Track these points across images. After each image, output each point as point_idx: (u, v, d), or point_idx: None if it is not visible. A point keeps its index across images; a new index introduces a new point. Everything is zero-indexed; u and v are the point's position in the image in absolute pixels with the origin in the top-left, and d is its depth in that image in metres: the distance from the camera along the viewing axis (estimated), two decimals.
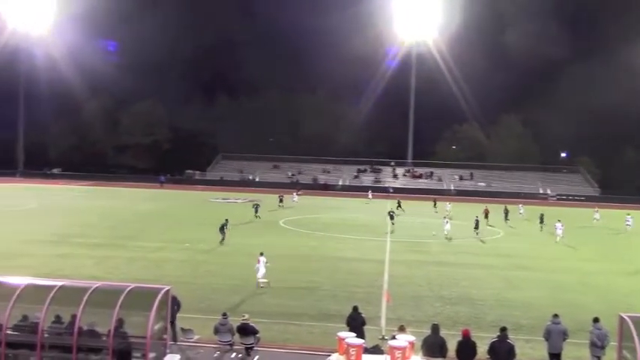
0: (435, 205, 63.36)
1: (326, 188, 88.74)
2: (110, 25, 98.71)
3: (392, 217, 44.09)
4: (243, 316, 17.27)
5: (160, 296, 15.63)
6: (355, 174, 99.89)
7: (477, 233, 43.71)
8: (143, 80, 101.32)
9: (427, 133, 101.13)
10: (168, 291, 16.22)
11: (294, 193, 67.28)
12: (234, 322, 17.15)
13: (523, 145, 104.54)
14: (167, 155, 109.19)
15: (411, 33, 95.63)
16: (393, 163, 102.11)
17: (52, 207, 55.13)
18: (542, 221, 49.93)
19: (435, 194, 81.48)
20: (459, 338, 15.45)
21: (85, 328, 15.23)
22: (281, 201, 61.38)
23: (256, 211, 50.27)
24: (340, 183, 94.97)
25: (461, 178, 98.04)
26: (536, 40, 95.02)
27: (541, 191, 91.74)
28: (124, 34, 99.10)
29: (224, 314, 17.26)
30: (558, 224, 42.67)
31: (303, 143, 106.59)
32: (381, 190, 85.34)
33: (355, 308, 17.57)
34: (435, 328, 15.69)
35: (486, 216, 50.98)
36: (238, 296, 23.84)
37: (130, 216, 49.43)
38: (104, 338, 15.15)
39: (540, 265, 33.36)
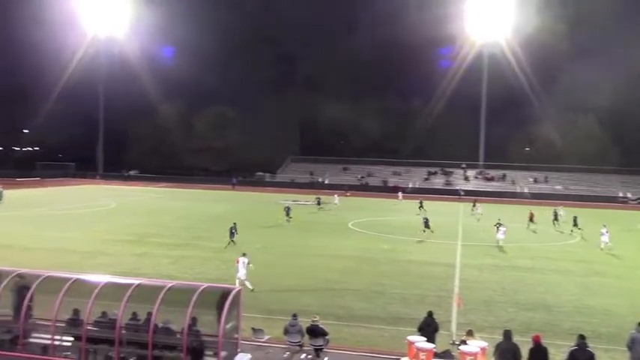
0: (474, 205, 62.23)
1: (396, 191, 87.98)
2: (183, 31, 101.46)
3: (427, 225, 42.24)
4: (314, 317, 17.35)
5: (231, 296, 15.92)
6: (425, 176, 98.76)
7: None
8: (216, 84, 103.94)
9: (499, 134, 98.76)
10: (240, 291, 16.49)
11: (335, 195, 66.51)
12: (304, 323, 17.25)
13: (601, 147, 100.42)
14: (239, 158, 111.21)
15: (482, 32, 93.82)
16: (464, 165, 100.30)
17: (129, 208, 57.09)
18: (575, 224, 47.88)
19: (508, 197, 79.72)
20: (530, 345, 14.99)
21: (161, 325, 15.67)
22: (319, 203, 61.23)
23: (287, 214, 49.17)
24: (410, 185, 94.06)
25: (535, 181, 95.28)
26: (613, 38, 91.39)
27: (620, 195, 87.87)
28: (197, 38, 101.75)
29: (294, 315, 17.39)
30: (603, 229, 39.33)
31: (373, 145, 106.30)
32: (452, 193, 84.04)
33: (430, 314, 17.29)
34: (508, 334, 15.26)
35: (531, 220, 49.30)
36: (308, 297, 23.96)
37: (203, 217, 50.58)
38: (178, 336, 15.54)
39: (617, 272, 31.98)
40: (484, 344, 15.25)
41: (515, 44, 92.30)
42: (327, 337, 17.02)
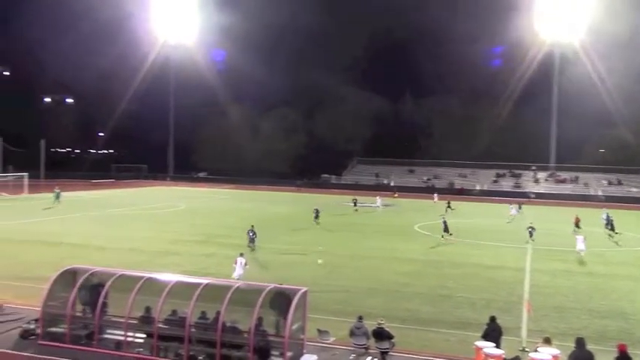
0: (519, 207, 60.32)
1: (462, 193, 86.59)
2: (250, 35, 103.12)
3: (446, 229, 40.91)
4: (379, 320, 17.25)
5: (297, 297, 16.03)
6: (494, 178, 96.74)
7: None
8: (282, 87, 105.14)
9: (572, 136, 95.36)
10: (305, 292, 16.58)
11: (378, 198, 65.35)
12: (370, 325, 17.17)
13: None
14: (304, 160, 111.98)
15: (553, 31, 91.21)
16: (534, 168, 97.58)
17: (198, 209, 58.35)
18: (612, 228, 45.47)
19: (581, 200, 77.13)
20: (616, 354, 14.38)
21: (228, 324, 15.94)
22: (355, 204, 60.31)
23: (316, 217, 48.19)
24: (478, 188, 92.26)
25: (609, 184, 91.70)
26: None
27: None
28: (262, 42, 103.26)
29: (360, 317, 17.34)
30: None
31: (439, 147, 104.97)
32: (521, 196, 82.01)
33: (493, 319, 16.91)
34: (581, 342, 14.72)
35: (577, 225, 47.09)
36: (374, 300, 23.85)
37: (269, 218, 51.12)
38: (245, 335, 15.77)
39: None
40: (556, 352, 14.78)
41: (588, 44, 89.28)
42: (392, 340, 16.89)
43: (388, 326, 17.08)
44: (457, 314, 22.25)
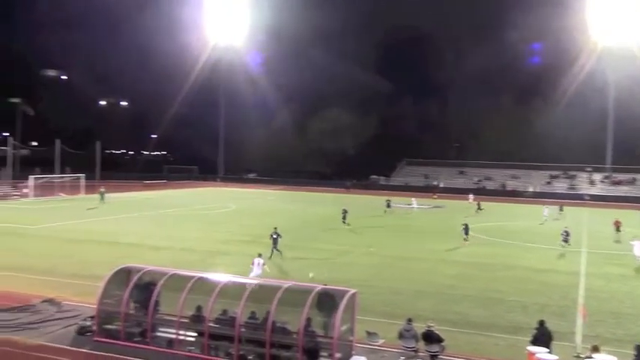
0: (561, 209, 58.41)
1: (514, 195, 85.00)
2: (299, 38, 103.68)
3: (566, 240, 39.50)
4: (429, 322, 17.10)
5: (346, 298, 16.04)
6: (547, 180, 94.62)
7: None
8: (331, 88, 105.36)
9: (629, 135, 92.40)
10: (354, 294, 16.57)
11: (413, 199, 64.26)
12: (419, 328, 17.04)
13: None
14: (353, 161, 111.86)
15: (607, 30, 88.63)
16: (589, 169, 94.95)
17: (247, 209, 58.98)
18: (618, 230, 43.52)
19: (638, 203, 74.71)
20: None
21: (278, 325, 16.06)
22: (388, 206, 59.59)
23: (344, 218, 47.24)
24: (530, 190, 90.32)
25: None
26: None
27: None
28: (311, 44, 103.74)
29: (409, 319, 17.22)
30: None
31: (490, 148, 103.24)
32: (575, 198, 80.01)
33: (542, 323, 16.53)
34: None
35: (618, 229, 45.22)
36: (424, 302, 23.67)
37: (317, 219, 51.30)
38: (294, 336, 15.85)
39: None
40: (613, 359, 14.37)
41: None
42: (442, 343, 16.71)
43: (437, 329, 16.91)
44: (509, 318, 21.87)
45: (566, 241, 37.88)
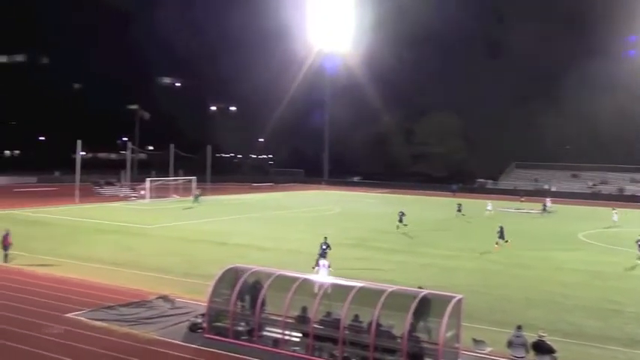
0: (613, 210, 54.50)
1: (635, 200, 79.98)
2: (404, 41, 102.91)
3: (502, 236, 36.73)
4: (540, 332, 16.37)
5: (451, 304, 15.70)
6: None
7: None
8: (437, 90, 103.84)
9: None
10: (460, 300, 16.20)
11: (489, 202, 61.52)
12: (529, 338, 16.35)
13: None
14: (460, 164, 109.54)
15: None
16: None
17: (352, 212, 59.19)
18: None
19: None
20: None
21: (382, 328, 15.98)
22: (459, 210, 57.18)
23: (400, 220, 45.48)
24: None
25: None
26: None
27: None
28: (417, 47, 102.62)
29: (519, 327, 16.55)
30: None
31: (606, 150, 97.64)
32: None
33: None
34: None
35: None
36: (534, 310, 22.76)
37: (422, 223, 50.61)
38: (399, 340, 15.71)
39: None
40: None
41: None
42: (554, 354, 15.93)
43: (549, 339, 16.17)
44: (627, 330, 20.60)
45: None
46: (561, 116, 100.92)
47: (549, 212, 61.63)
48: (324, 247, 28.73)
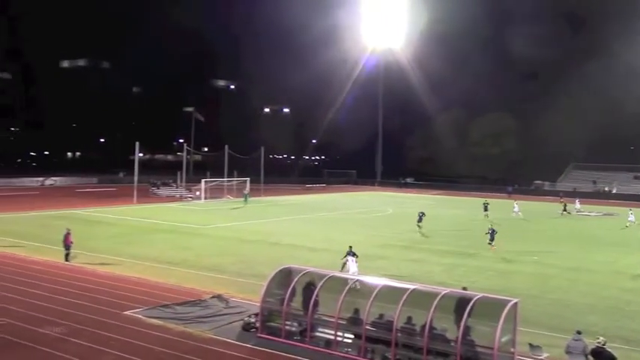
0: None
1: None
2: (455, 38, 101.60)
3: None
4: (598, 339, 15.87)
5: (507, 308, 15.40)
6: None
7: None
8: (493, 89, 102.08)
9: None
10: (516, 304, 15.88)
11: (515, 203, 60.17)
12: (588, 344, 15.88)
13: None
14: (516, 165, 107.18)
15: None
16: None
17: (405, 214, 58.58)
18: None
19: None
20: None
21: (436, 331, 15.81)
22: (565, 209, 55.77)
23: (420, 220, 45.36)
24: None
25: None
26: None
27: None
28: (470, 45, 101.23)
29: (578, 332, 16.07)
30: None
31: None
32: None
33: None
34: None
35: None
36: (593, 316, 22.12)
37: (477, 225, 49.81)
38: (452, 344, 15.51)
39: None
40: None
41: None
42: None
43: (609, 346, 15.66)
44: None
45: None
46: (624, 116, 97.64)
47: (571, 213, 59.48)
48: (349, 256, 26.78)
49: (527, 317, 18.59)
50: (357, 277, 19.85)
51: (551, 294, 25.61)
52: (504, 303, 15.71)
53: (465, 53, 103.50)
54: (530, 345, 17.11)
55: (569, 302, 24.27)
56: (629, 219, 51.20)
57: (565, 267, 32.16)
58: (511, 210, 57.95)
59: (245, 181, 70.73)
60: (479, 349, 15.47)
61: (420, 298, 16.81)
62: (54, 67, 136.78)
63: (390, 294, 17.40)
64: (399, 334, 16.26)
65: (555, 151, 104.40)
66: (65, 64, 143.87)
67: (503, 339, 15.37)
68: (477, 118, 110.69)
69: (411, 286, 17.49)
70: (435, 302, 15.97)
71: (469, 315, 15.45)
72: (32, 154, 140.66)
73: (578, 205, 62.80)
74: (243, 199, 64.53)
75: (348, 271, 25.33)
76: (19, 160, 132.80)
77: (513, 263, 32.90)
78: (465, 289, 17.99)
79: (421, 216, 45.98)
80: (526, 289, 25.61)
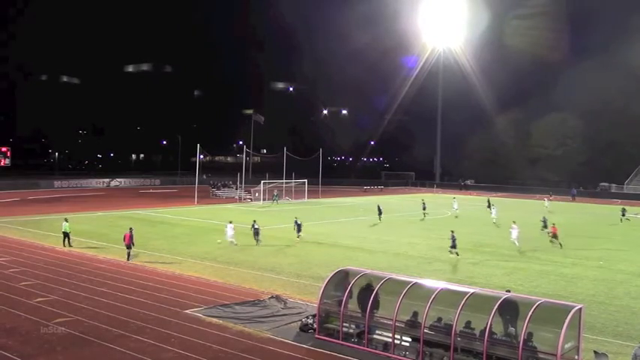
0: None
1: None
2: (520, 39, 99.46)
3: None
4: None
5: (571, 314, 14.94)
6: None
7: None
8: (555, 90, 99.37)
9: None
10: (580, 309, 15.39)
11: (545, 199, 59.29)
12: None
13: None
14: (581, 167, 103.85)
15: None
16: None
17: (466, 216, 57.79)
18: None
19: None
20: None
21: (497, 336, 15.48)
22: (623, 215, 53.84)
23: (424, 208, 47.79)
24: None
25: None
26: None
27: None
28: (536, 48, 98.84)
29: None
30: None
31: None
32: None
33: None
34: None
35: None
36: None
37: (539, 229, 48.59)
38: (514, 350, 15.15)
39: None
40: None
41: None
42: None
43: None
44: None
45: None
46: None
47: (630, 219, 54.99)
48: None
49: (593, 324, 18.00)
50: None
51: (618, 300, 24.68)
52: (568, 308, 15.25)
53: (525, 52, 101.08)
54: (596, 352, 16.56)
55: (636, 309, 23.34)
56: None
57: (633, 273, 30.95)
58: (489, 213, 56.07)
59: (303, 183, 71.17)
60: (541, 356, 15.06)
61: (480, 302, 16.51)
62: (119, 72, 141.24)
63: (448, 297, 17.14)
64: (459, 339, 15.99)
65: (622, 153, 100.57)
66: (130, 68, 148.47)
67: (567, 345, 14.91)
68: (540, 118, 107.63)
69: (470, 290, 17.19)
70: (495, 307, 15.64)
71: (529, 320, 15.07)
72: (99, 156, 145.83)
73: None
74: (273, 200, 65.26)
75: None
76: (87, 162, 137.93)
77: (577, 267, 31.90)
78: (508, 291, 17.51)
79: (424, 206, 49.88)
80: (591, 295, 24.80)
